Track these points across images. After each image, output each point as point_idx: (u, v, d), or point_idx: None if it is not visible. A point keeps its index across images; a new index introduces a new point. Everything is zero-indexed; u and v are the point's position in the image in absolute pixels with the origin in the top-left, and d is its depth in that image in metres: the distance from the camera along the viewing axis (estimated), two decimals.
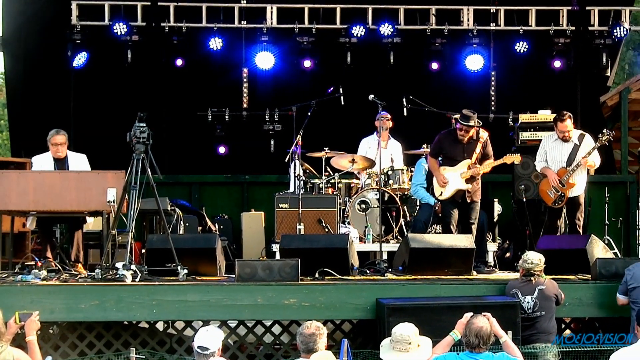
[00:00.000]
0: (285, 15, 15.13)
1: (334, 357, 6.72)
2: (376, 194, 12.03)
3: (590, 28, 15.22)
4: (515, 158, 11.26)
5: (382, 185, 11.96)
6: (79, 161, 10.80)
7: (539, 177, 11.60)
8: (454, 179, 10.89)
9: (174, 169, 14.20)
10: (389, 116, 12.76)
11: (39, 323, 7.49)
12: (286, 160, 12.52)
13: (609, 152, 15.29)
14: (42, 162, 10.76)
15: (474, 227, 10.91)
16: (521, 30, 15.22)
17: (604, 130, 11.15)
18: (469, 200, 10.91)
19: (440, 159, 11.09)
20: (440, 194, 10.98)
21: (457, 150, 10.96)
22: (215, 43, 14.92)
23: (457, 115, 10.99)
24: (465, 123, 10.79)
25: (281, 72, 15.30)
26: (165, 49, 14.95)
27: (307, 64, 15.12)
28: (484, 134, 11.02)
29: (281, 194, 12.08)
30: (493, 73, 15.53)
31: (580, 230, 11.19)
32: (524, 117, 13.16)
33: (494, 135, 11.56)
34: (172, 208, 11.95)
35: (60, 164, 10.71)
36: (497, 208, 12.60)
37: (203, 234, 12.40)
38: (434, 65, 15.26)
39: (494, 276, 10.63)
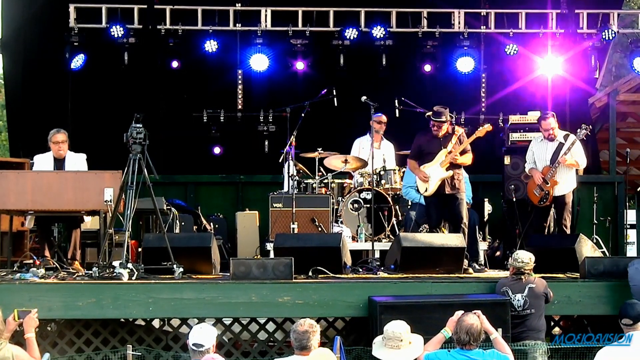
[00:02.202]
0: (279, 18, 15.18)
1: (332, 354, 6.82)
2: (368, 194, 12.13)
3: (579, 31, 15.29)
4: (486, 128, 11.24)
5: (375, 185, 12.07)
6: (76, 161, 10.82)
7: (528, 178, 11.69)
8: (434, 171, 10.97)
9: (170, 169, 14.22)
10: (384, 119, 12.85)
11: (37, 320, 7.58)
12: (280, 161, 12.64)
13: (595, 153, 15.46)
14: (43, 161, 10.80)
15: (464, 226, 10.96)
16: (511, 33, 15.27)
17: (582, 125, 11.32)
18: (447, 191, 10.93)
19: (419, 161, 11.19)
20: (425, 190, 11.05)
21: (435, 145, 11.06)
22: (211, 45, 14.95)
23: (430, 113, 11.10)
24: (437, 119, 10.95)
25: (275, 74, 15.32)
26: (161, 51, 15.00)
27: (300, 66, 15.17)
28: (460, 129, 11.16)
29: (275, 193, 12.15)
30: (483, 75, 15.60)
31: (568, 230, 11.27)
32: (513, 119, 13.32)
33: (485, 136, 11.66)
34: (168, 207, 11.99)
35: (60, 163, 10.75)
36: (487, 208, 12.73)
37: (198, 233, 12.46)
38: (426, 67, 15.29)
39: (484, 274, 10.70)
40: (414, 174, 11.28)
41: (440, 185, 10.96)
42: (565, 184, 11.21)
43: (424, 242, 10.42)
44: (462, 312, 7.54)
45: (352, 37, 15.06)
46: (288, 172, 12.29)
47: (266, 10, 15.23)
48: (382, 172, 12.50)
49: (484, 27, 15.42)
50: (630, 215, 14.77)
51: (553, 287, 9.53)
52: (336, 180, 12.69)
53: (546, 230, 11.42)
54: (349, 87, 13.94)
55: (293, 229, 11.62)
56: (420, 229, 11.72)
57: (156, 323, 10.32)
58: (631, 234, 15.32)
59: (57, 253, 10.86)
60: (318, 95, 13.09)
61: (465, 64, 15.19)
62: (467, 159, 11.10)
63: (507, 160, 13.06)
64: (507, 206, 12.94)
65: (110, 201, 10.00)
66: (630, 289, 9.46)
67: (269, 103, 15.32)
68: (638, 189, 13.72)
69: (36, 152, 11.11)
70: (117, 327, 10.00)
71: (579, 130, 11.23)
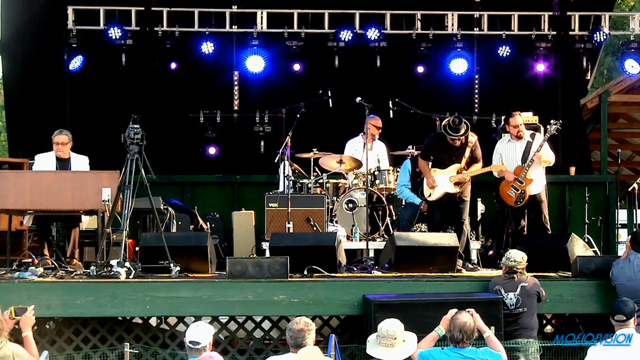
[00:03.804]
0: (275, 20, 15.27)
1: (320, 352, 6.78)
2: (363, 194, 12.22)
3: (571, 33, 15.38)
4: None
5: (369, 185, 12.12)
6: (80, 163, 10.89)
7: (498, 182, 11.59)
8: (442, 182, 11.01)
9: (167, 169, 14.23)
10: (380, 123, 12.88)
11: (34, 319, 7.61)
12: (276, 161, 12.66)
13: (586, 153, 15.58)
14: (44, 160, 10.84)
15: (465, 226, 11.04)
16: (504, 35, 15.38)
17: (552, 121, 11.30)
18: (453, 200, 11.03)
19: (430, 161, 11.22)
20: (429, 195, 11.11)
21: (446, 154, 11.06)
22: (207, 47, 15.04)
23: (445, 123, 10.99)
24: (455, 135, 10.86)
25: (271, 75, 15.41)
26: (158, 52, 15.08)
27: (296, 67, 15.25)
28: (473, 138, 11.12)
29: (271, 193, 12.19)
30: (477, 76, 15.69)
31: (548, 226, 11.33)
32: None
33: (478, 137, 11.72)
34: (165, 207, 12.04)
35: (63, 164, 10.79)
36: (480, 207, 12.76)
37: (195, 232, 12.49)
38: (420, 69, 15.39)
39: (477, 273, 10.74)
40: (423, 175, 11.30)
41: (446, 195, 11.02)
42: (538, 182, 11.23)
43: (418, 241, 10.48)
44: (456, 310, 7.56)
45: (346, 39, 15.15)
46: (283, 172, 12.31)
47: (262, 13, 15.29)
48: (376, 173, 12.54)
49: (477, 29, 15.49)
50: (622, 215, 14.86)
51: (545, 285, 9.58)
52: (331, 180, 12.72)
53: (525, 229, 11.44)
54: (343, 88, 14.04)
55: (288, 228, 11.64)
56: (414, 228, 11.83)
57: (153, 321, 10.36)
58: (622, 234, 15.40)
59: (56, 252, 10.92)
60: (313, 96, 13.16)
61: (458, 66, 15.29)
62: (476, 168, 11.16)
63: None
64: (499, 206, 12.96)
65: (108, 201, 10.03)
66: (616, 289, 9.55)
67: (264, 104, 15.37)
68: (629, 189, 13.78)
69: (35, 152, 11.15)
70: (114, 325, 10.04)
71: (548, 125, 11.25)
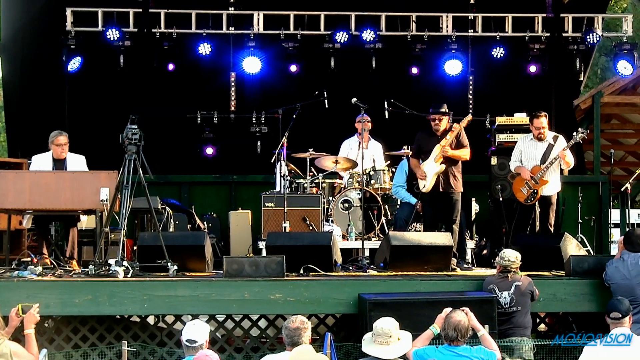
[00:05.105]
0: (271, 21, 15.30)
1: (314, 351, 6.86)
2: (358, 194, 12.26)
3: (564, 34, 15.43)
4: (467, 119, 11.37)
5: (364, 185, 12.17)
6: (77, 162, 10.95)
7: (514, 177, 11.71)
8: (429, 166, 11.05)
9: (165, 169, 14.25)
10: (369, 119, 12.98)
11: (38, 316, 7.65)
12: (272, 161, 12.69)
13: (579, 153, 15.64)
14: (42, 161, 10.89)
15: (456, 226, 11.05)
16: (498, 36, 15.42)
17: (579, 129, 11.44)
18: (441, 189, 11.01)
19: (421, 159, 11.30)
20: (424, 186, 11.12)
21: (433, 142, 11.13)
22: (204, 48, 15.07)
23: (430, 111, 11.18)
24: (436, 111, 11.05)
25: (267, 76, 15.44)
26: (156, 54, 15.10)
27: (292, 68, 15.27)
28: (458, 126, 11.17)
29: (267, 193, 12.24)
30: (471, 77, 15.74)
31: (552, 231, 11.37)
32: (500, 120, 13.39)
33: (473, 137, 11.74)
34: (163, 207, 12.10)
35: (60, 164, 10.85)
36: (475, 207, 12.82)
37: (192, 232, 12.54)
38: (414, 70, 15.42)
39: (471, 272, 10.76)
40: (415, 172, 11.37)
41: (438, 179, 11.05)
42: (553, 185, 11.31)
43: (413, 240, 10.51)
44: (450, 309, 7.62)
45: (342, 41, 15.17)
46: (280, 172, 12.36)
47: (258, 14, 15.32)
48: (371, 173, 12.57)
49: (472, 30, 15.54)
50: (615, 215, 14.92)
51: (539, 284, 9.64)
52: (327, 180, 12.76)
53: (529, 229, 11.52)
54: (339, 89, 14.04)
55: (285, 227, 11.68)
56: (410, 228, 11.90)
57: (151, 320, 10.39)
58: (615, 233, 15.47)
59: (55, 251, 10.96)
60: (309, 97, 13.23)
61: (453, 67, 15.32)
62: (463, 153, 11.15)
63: (494, 160, 13.19)
64: (493, 206, 13.03)
65: (106, 200, 10.09)
66: (610, 288, 9.63)
67: (261, 105, 15.41)
68: (622, 189, 13.87)
69: (34, 152, 11.20)
70: (112, 324, 10.07)
71: (575, 133, 11.34)
